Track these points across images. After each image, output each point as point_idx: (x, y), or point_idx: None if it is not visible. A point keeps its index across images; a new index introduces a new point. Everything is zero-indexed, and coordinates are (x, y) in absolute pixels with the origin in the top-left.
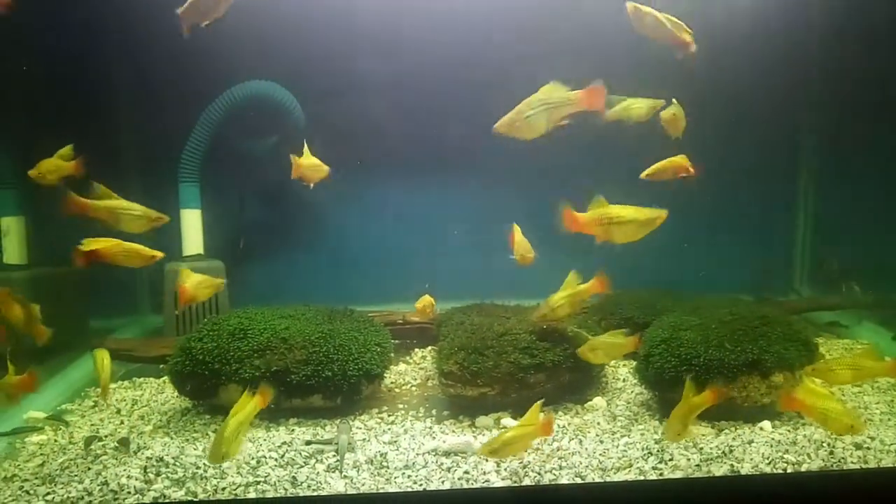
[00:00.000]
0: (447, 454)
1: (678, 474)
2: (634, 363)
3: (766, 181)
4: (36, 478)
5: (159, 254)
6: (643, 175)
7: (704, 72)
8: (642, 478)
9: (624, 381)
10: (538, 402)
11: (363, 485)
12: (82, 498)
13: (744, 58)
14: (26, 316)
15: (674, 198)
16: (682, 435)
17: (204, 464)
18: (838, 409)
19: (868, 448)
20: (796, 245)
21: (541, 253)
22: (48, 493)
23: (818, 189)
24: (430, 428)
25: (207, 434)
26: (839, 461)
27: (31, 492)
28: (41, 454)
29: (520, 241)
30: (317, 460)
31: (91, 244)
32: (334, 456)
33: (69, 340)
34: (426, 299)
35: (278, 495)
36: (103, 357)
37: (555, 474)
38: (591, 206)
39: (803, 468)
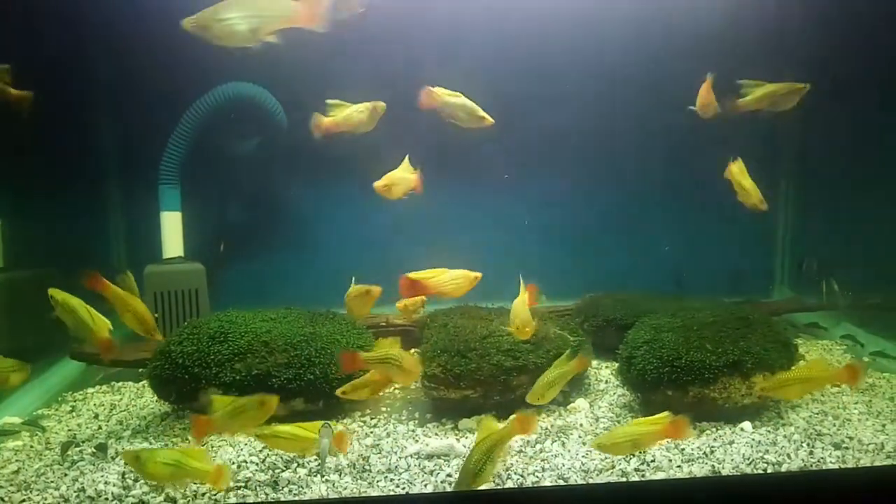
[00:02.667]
0: (430, 457)
1: (660, 475)
2: (617, 365)
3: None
4: (11, 484)
5: (479, 274)
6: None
7: (685, 73)
8: (625, 479)
9: (606, 382)
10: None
11: (345, 489)
12: None
13: (724, 59)
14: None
15: (656, 200)
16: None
17: None
18: None
19: (847, 448)
20: (776, 246)
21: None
22: (24, 500)
23: (798, 190)
24: (413, 431)
25: (187, 439)
26: (818, 461)
27: (7, 499)
28: (17, 460)
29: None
30: (298, 464)
31: (416, 275)
32: (316, 460)
33: (47, 345)
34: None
35: (259, 500)
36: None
37: (538, 476)
38: None
39: (783, 468)
